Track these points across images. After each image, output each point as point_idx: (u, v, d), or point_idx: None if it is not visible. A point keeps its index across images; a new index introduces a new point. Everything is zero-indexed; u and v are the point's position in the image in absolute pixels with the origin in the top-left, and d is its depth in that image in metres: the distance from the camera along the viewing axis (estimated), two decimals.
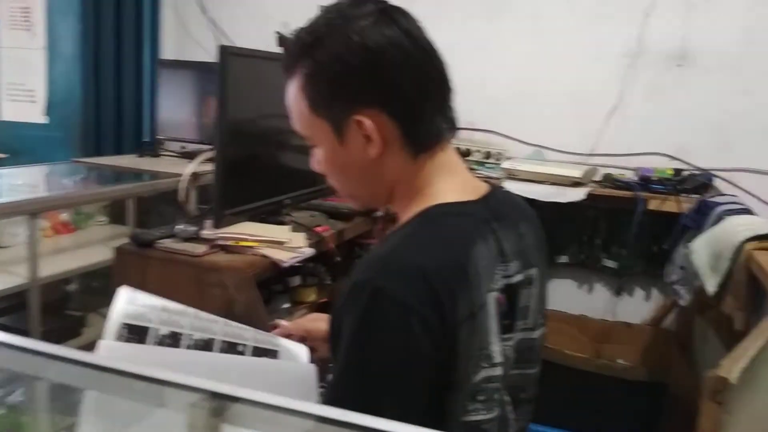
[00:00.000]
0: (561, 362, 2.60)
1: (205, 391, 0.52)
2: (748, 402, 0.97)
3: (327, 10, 0.90)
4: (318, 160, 0.95)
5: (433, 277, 0.78)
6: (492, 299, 0.86)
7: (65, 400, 0.79)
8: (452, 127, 0.95)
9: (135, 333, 0.99)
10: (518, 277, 0.93)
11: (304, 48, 0.89)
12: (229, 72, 1.61)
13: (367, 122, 0.87)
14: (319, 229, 1.92)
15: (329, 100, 0.88)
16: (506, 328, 0.90)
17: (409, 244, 0.84)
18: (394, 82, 0.87)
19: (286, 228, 1.82)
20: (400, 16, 0.89)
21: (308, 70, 0.88)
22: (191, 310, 1.06)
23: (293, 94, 0.91)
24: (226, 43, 3.37)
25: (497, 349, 0.87)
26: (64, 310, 2.50)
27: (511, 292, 0.91)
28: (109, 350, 0.96)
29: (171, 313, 1.03)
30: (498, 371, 0.87)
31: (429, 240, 0.84)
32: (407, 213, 0.91)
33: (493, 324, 0.86)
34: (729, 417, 0.90)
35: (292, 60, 0.90)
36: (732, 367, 0.95)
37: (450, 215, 0.88)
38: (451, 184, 0.92)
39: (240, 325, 1.09)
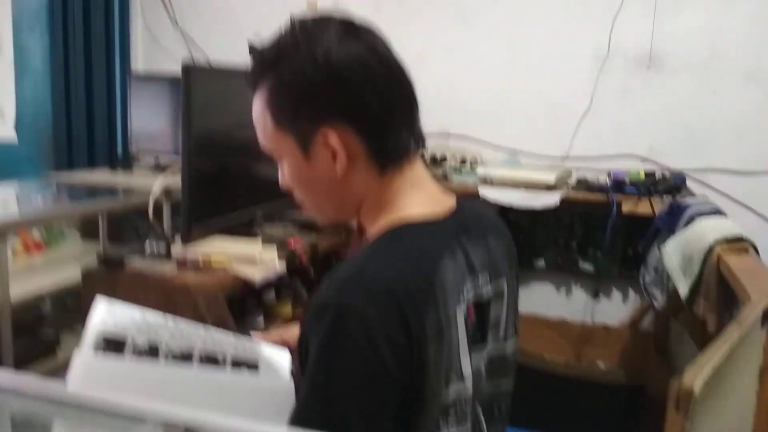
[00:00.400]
0: (540, 367, 2.61)
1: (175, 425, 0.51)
2: (711, 411, 0.97)
3: (292, 26, 0.90)
4: (284, 175, 0.94)
5: (399, 294, 0.78)
6: (461, 315, 0.85)
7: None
8: (419, 142, 0.94)
9: (112, 345, 0.97)
10: (488, 290, 0.92)
11: (269, 63, 0.88)
12: (193, 89, 1.59)
13: (333, 138, 0.86)
14: (291, 242, 1.91)
15: (294, 116, 0.88)
16: (477, 342, 0.90)
17: (374, 262, 0.83)
18: (359, 98, 0.86)
19: (257, 242, 1.81)
20: (365, 32, 0.89)
21: (273, 86, 0.88)
22: (171, 319, 1.05)
23: (258, 109, 0.91)
24: (197, 54, 3.36)
25: (467, 365, 0.87)
26: (38, 330, 2.46)
27: (480, 306, 0.91)
28: (84, 365, 0.94)
29: (150, 324, 1.02)
30: (468, 385, 0.87)
31: (395, 257, 0.83)
32: (374, 228, 0.91)
33: (462, 340, 0.86)
34: (691, 426, 0.90)
35: (257, 75, 0.90)
36: (696, 375, 0.95)
37: (416, 230, 0.88)
38: (417, 198, 0.92)
39: (222, 332, 1.07)
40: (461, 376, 0.86)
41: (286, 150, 0.91)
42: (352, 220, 0.98)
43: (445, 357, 0.82)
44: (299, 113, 0.87)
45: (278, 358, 1.08)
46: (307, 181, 0.92)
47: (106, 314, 0.99)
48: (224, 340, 1.04)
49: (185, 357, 1.00)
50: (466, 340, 0.86)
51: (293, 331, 1.22)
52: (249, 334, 1.23)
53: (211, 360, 1.00)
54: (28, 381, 0.76)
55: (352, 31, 0.88)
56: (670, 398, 0.96)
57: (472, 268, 0.90)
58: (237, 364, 1.02)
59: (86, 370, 0.94)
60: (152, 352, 0.98)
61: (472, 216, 0.97)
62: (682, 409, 0.92)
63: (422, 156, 0.97)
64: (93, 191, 2.68)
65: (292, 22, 0.90)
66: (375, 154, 0.89)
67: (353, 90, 0.86)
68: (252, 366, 1.05)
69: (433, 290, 0.81)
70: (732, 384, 1.08)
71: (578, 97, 2.83)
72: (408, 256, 0.84)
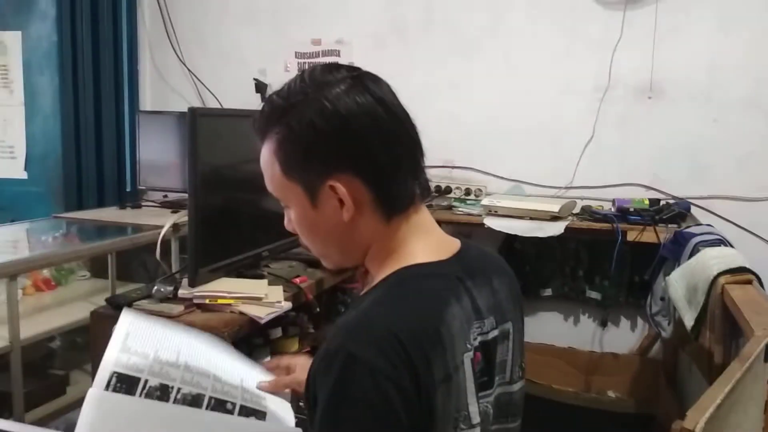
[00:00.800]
0: (549, 397, 2.59)
1: None
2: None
3: (301, 76, 0.91)
4: (291, 221, 0.96)
5: (406, 341, 0.78)
6: (468, 359, 0.86)
7: None
8: (425, 189, 0.95)
9: (125, 383, 0.99)
10: (494, 333, 0.93)
11: (278, 113, 0.89)
12: (199, 133, 1.62)
13: (340, 187, 0.87)
14: (297, 280, 1.93)
15: (302, 165, 0.89)
16: (484, 385, 0.90)
17: (381, 308, 0.84)
18: (366, 148, 0.88)
19: (263, 282, 1.82)
20: (372, 83, 0.90)
21: (281, 136, 0.89)
22: (183, 360, 1.06)
23: (266, 157, 0.92)
24: (204, 92, 3.41)
25: (475, 409, 0.87)
26: (48, 369, 2.48)
27: (487, 349, 0.91)
28: (98, 400, 0.96)
29: (163, 364, 1.04)
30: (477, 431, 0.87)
31: (401, 303, 0.84)
32: (380, 273, 0.92)
33: (470, 384, 0.86)
34: None
35: (266, 124, 0.91)
36: (698, 418, 0.95)
37: (422, 276, 0.89)
38: (423, 244, 0.93)
39: (231, 381, 1.09)
40: (470, 423, 0.86)
41: (293, 197, 0.92)
42: (359, 264, 0.99)
43: (453, 403, 0.83)
44: (307, 164, 0.89)
45: (284, 413, 1.10)
46: (314, 227, 0.93)
47: (121, 351, 1.01)
48: (233, 389, 1.06)
49: (195, 400, 1.02)
50: (473, 385, 0.87)
51: (300, 361, 1.23)
52: (260, 363, 1.24)
53: (220, 405, 1.02)
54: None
55: (360, 81, 0.89)
56: (664, 408, 0.96)
57: (478, 312, 0.90)
58: (245, 411, 1.03)
59: (99, 406, 0.96)
60: (163, 392, 1.00)
61: (476, 259, 0.98)
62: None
63: (428, 203, 0.98)
64: (102, 229, 2.72)
65: (302, 72, 0.92)
66: (381, 202, 0.90)
67: (361, 141, 0.87)
68: (260, 413, 1.07)
69: (440, 336, 0.82)
70: (737, 420, 1.09)
71: (580, 127, 2.85)
72: (414, 303, 0.84)
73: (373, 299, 0.86)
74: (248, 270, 1.89)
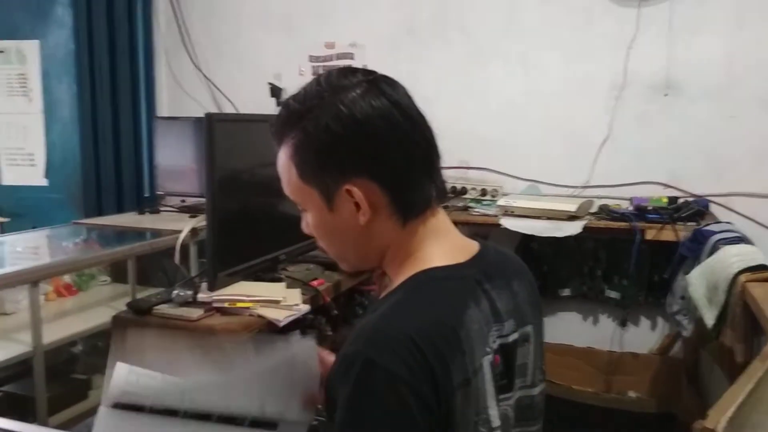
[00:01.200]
0: (569, 397, 2.58)
1: None
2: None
3: (317, 80, 0.91)
4: (308, 224, 0.96)
5: (424, 346, 0.78)
6: (487, 363, 0.85)
7: None
8: (441, 192, 0.95)
9: (131, 406, 1.00)
10: (514, 336, 0.92)
11: (294, 117, 0.89)
12: (215, 138, 1.64)
13: (357, 191, 0.87)
14: (314, 282, 1.93)
15: (318, 170, 0.89)
16: (504, 389, 0.89)
17: (398, 313, 0.83)
18: (382, 152, 0.88)
19: (281, 285, 1.83)
20: (388, 86, 0.90)
21: (298, 140, 0.89)
22: (189, 383, 1.07)
23: (283, 161, 0.92)
24: (220, 97, 3.43)
25: (495, 413, 0.86)
26: (70, 373, 2.51)
27: (507, 352, 0.90)
28: (108, 417, 0.97)
29: (169, 382, 1.04)
30: None
31: (419, 307, 0.84)
32: (398, 277, 0.92)
33: (489, 387, 0.85)
34: None
35: (282, 128, 0.91)
36: (719, 417, 0.95)
37: (440, 280, 0.88)
38: (441, 247, 0.92)
39: (241, 394, 1.09)
40: (490, 427, 0.85)
41: (310, 202, 0.92)
42: (376, 267, 0.99)
43: (472, 407, 0.82)
44: (323, 168, 0.89)
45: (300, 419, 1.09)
46: (331, 231, 0.94)
47: (126, 378, 1.01)
48: (246, 405, 1.06)
49: (203, 417, 1.02)
50: (493, 388, 0.86)
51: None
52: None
53: (229, 421, 1.02)
54: None
55: (376, 85, 0.89)
56: (686, 408, 0.96)
57: (497, 315, 0.90)
58: (256, 423, 1.03)
59: (109, 423, 0.97)
60: (171, 412, 1.01)
61: (495, 261, 0.97)
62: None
63: (444, 205, 0.98)
64: (122, 235, 2.74)
65: (318, 76, 0.92)
66: (398, 206, 0.90)
67: (377, 145, 0.87)
68: (271, 426, 1.06)
69: (458, 340, 0.81)
70: (759, 419, 1.08)
71: (596, 126, 2.84)
72: (432, 307, 0.84)
73: (391, 303, 0.86)
74: (266, 273, 1.90)
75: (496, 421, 0.86)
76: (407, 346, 0.78)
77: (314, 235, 0.97)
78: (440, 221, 0.95)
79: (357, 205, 0.88)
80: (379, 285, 2.26)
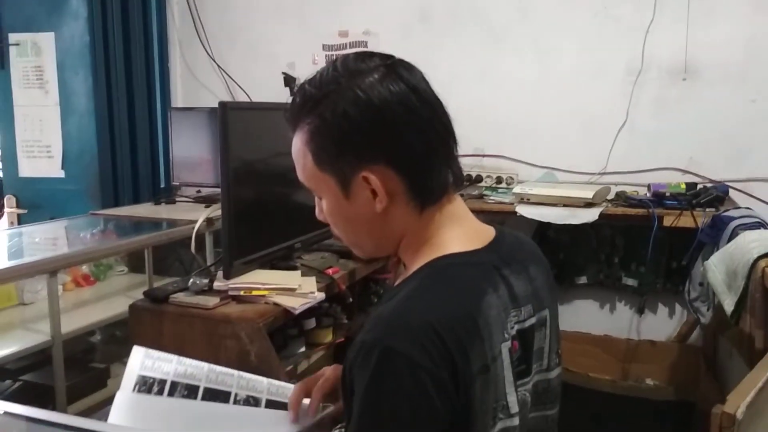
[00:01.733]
0: (586, 385, 2.57)
1: None
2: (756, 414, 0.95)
3: (333, 65, 0.89)
4: (322, 211, 0.95)
5: (443, 333, 0.77)
6: (506, 349, 0.85)
7: None
8: (458, 178, 0.94)
9: (151, 386, 1.01)
10: (531, 321, 0.92)
11: (310, 103, 0.88)
12: (230, 127, 1.64)
13: (373, 178, 0.86)
14: (330, 271, 1.94)
15: (335, 157, 0.88)
16: (522, 374, 0.89)
17: (416, 300, 0.83)
18: (399, 138, 0.87)
19: (296, 273, 1.84)
20: (406, 71, 0.89)
21: (314, 126, 0.88)
22: (206, 364, 1.08)
23: (298, 147, 0.91)
24: (234, 87, 3.43)
25: (513, 398, 0.86)
26: (89, 362, 2.54)
27: (524, 337, 0.90)
28: (125, 401, 0.98)
29: (187, 366, 1.05)
30: (515, 422, 0.86)
31: (437, 294, 0.83)
32: (415, 264, 0.91)
33: (508, 374, 0.85)
34: None
35: (298, 114, 0.90)
36: (738, 402, 0.94)
37: (458, 266, 0.88)
38: (458, 233, 0.92)
39: (255, 377, 1.10)
40: (508, 413, 0.85)
41: (325, 188, 0.91)
42: (391, 254, 0.98)
43: (491, 393, 0.82)
44: (340, 155, 0.88)
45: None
46: (347, 218, 0.93)
47: (145, 357, 1.03)
48: (258, 384, 1.07)
49: (223, 397, 1.03)
50: (511, 374, 0.86)
51: (330, 373, 1.21)
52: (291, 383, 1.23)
53: (246, 401, 1.03)
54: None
55: (393, 69, 0.88)
56: (713, 424, 0.95)
57: (515, 301, 0.89)
58: (270, 404, 1.04)
59: (127, 407, 0.98)
60: (190, 391, 1.02)
61: (512, 246, 0.97)
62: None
63: (460, 194, 0.96)
64: (138, 225, 2.76)
65: (334, 61, 0.90)
66: (415, 192, 0.89)
67: (394, 131, 0.86)
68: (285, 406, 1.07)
69: (477, 327, 0.81)
70: None
71: (614, 111, 2.81)
72: (451, 294, 0.83)
73: (409, 290, 0.85)
74: (281, 261, 1.90)
75: (514, 407, 0.86)
76: (427, 333, 0.77)
77: (329, 222, 0.96)
78: (457, 208, 0.94)
79: (374, 192, 0.88)
80: (395, 273, 2.25)
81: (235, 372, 1.09)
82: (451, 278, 0.86)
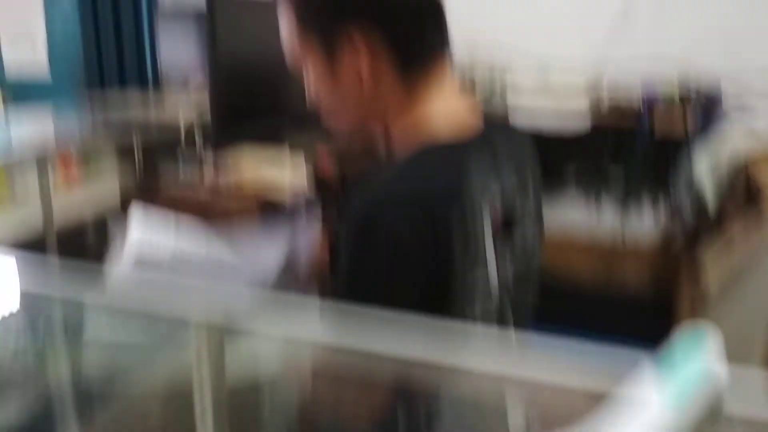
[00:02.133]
0: (568, 287, 2.62)
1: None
2: (727, 313, 1.00)
3: None
4: (309, 84, 0.95)
5: (427, 208, 0.80)
6: (488, 226, 0.87)
7: None
8: (447, 47, 0.93)
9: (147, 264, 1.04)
10: (516, 202, 0.94)
11: None
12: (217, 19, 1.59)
13: (357, 37, 0.86)
14: (321, 168, 1.93)
15: (319, 16, 0.88)
16: (504, 254, 0.92)
17: (403, 176, 0.85)
18: None
19: (287, 170, 1.83)
20: None
21: None
22: (204, 242, 1.10)
23: (284, 10, 0.91)
24: None
25: (494, 275, 0.89)
26: (81, 256, 2.56)
27: (509, 217, 0.92)
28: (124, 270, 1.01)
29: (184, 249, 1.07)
30: (493, 274, 0.89)
31: (423, 170, 0.85)
32: (402, 138, 0.92)
33: (490, 252, 0.87)
34: (707, 326, 0.93)
35: None
36: (713, 280, 0.97)
37: (445, 147, 0.89)
38: (445, 108, 0.92)
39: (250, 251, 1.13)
40: (488, 292, 0.88)
41: (310, 53, 0.91)
42: (376, 127, 0.97)
43: (473, 269, 0.85)
44: (324, 13, 0.87)
45: None
46: (332, 83, 0.92)
47: (141, 234, 1.04)
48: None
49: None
50: (493, 253, 0.88)
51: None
52: None
53: None
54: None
55: None
56: (685, 299, 0.98)
57: (501, 181, 0.91)
58: None
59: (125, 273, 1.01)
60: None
61: (501, 125, 0.98)
62: (699, 310, 0.95)
63: (450, 62, 0.95)
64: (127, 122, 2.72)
65: None
66: (401, 55, 0.88)
67: None
68: None
69: (462, 204, 0.83)
70: (752, 288, 1.10)
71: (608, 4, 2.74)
72: (436, 170, 0.85)
73: (396, 167, 0.87)
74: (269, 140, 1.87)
75: (495, 284, 0.89)
76: (410, 207, 0.80)
77: (316, 95, 0.95)
78: (445, 81, 0.93)
79: (358, 55, 0.87)
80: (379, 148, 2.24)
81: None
82: (438, 157, 0.87)
